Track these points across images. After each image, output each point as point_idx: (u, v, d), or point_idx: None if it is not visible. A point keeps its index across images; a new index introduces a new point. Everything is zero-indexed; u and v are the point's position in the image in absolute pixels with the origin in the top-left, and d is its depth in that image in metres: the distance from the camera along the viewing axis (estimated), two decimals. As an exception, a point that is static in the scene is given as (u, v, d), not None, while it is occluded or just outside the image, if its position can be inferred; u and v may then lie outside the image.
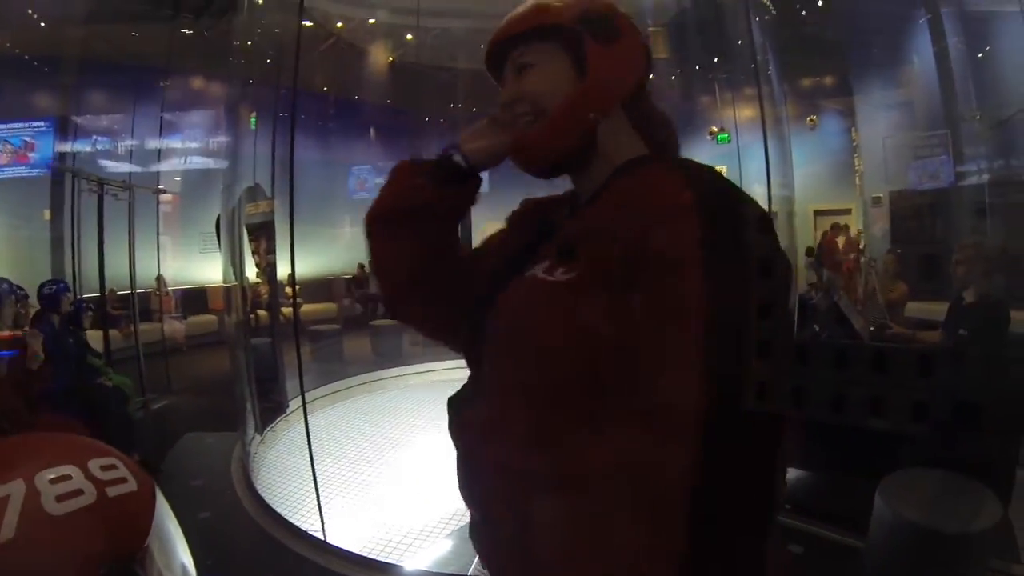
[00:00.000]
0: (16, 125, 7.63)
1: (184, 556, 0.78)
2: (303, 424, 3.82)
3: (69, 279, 6.90)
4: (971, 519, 2.20)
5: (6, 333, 3.39)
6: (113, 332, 6.69)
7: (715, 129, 8.82)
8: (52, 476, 0.65)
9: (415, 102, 10.84)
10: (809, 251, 10.04)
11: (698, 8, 7.31)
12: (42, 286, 4.39)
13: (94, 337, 6.49)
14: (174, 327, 8.30)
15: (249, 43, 5.53)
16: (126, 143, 8.35)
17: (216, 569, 3.13)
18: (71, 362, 4.32)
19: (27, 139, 7.52)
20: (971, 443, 2.78)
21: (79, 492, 0.66)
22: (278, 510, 3.72)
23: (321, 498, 3.48)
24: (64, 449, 0.73)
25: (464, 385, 0.90)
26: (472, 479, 0.85)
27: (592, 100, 0.83)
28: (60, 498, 0.64)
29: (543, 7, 0.85)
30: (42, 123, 7.64)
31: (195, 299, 9.14)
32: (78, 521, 0.64)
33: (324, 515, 3.42)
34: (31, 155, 7.53)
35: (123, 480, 0.70)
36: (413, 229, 0.91)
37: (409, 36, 8.98)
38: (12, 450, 0.74)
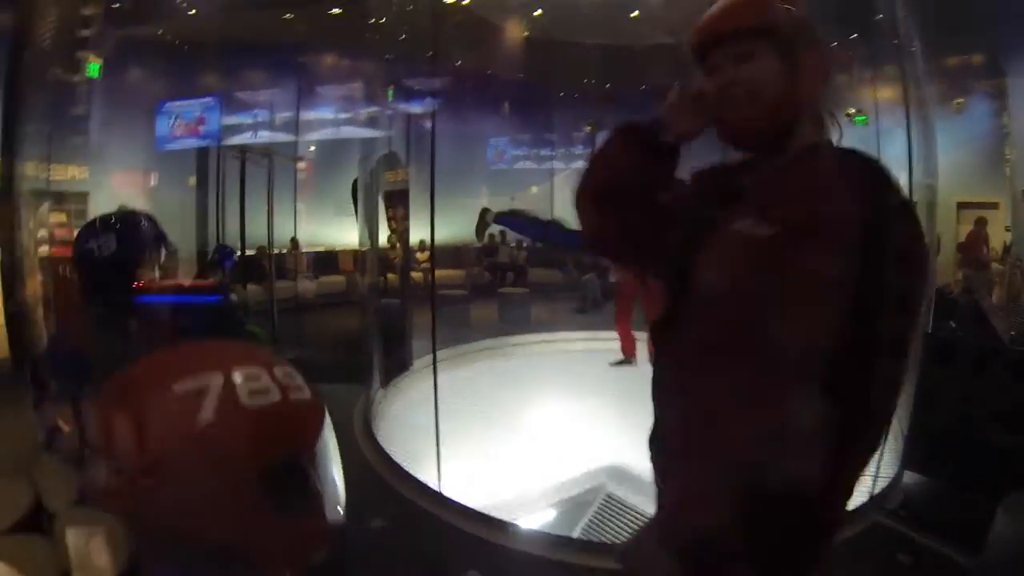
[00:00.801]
0: (187, 102, 8.45)
1: (337, 473, 0.86)
2: (428, 382, 4.02)
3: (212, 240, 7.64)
4: None
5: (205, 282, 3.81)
6: (252, 287, 7.36)
7: (852, 111, 8.31)
8: (245, 374, 0.73)
9: (546, 77, 10.90)
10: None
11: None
12: (214, 251, 5.03)
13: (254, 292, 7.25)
14: (306, 286, 8.92)
15: (383, 20, 5.76)
16: (275, 115, 8.98)
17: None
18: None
19: (198, 114, 8.30)
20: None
21: (267, 391, 0.73)
22: (396, 460, 3.96)
23: (441, 453, 3.68)
24: (254, 354, 0.80)
25: (666, 313, 1.10)
26: (673, 389, 1.08)
27: (801, 94, 1.03)
28: (252, 393, 0.72)
29: (761, 9, 1.05)
30: (210, 99, 8.38)
31: (326, 261, 9.79)
32: (266, 416, 0.72)
33: (431, 469, 3.63)
34: (201, 128, 8.31)
35: (301, 388, 0.77)
36: (624, 202, 1.12)
37: (538, 12, 9.00)
38: (210, 350, 0.82)
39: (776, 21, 1.03)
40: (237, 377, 0.72)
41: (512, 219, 7.35)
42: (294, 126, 8.67)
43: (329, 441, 0.82)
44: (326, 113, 8.92)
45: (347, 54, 8.81)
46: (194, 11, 8.65)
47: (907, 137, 3.76)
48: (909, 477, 3.48)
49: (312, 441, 0.77)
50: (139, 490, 0.67)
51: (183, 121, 8.28)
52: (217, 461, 0.68)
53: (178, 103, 8.37)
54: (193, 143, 8.38)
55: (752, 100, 1.01)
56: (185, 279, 4.46)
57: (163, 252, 1.81)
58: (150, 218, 1.87)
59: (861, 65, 7.45)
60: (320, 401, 0.81)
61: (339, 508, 0.85)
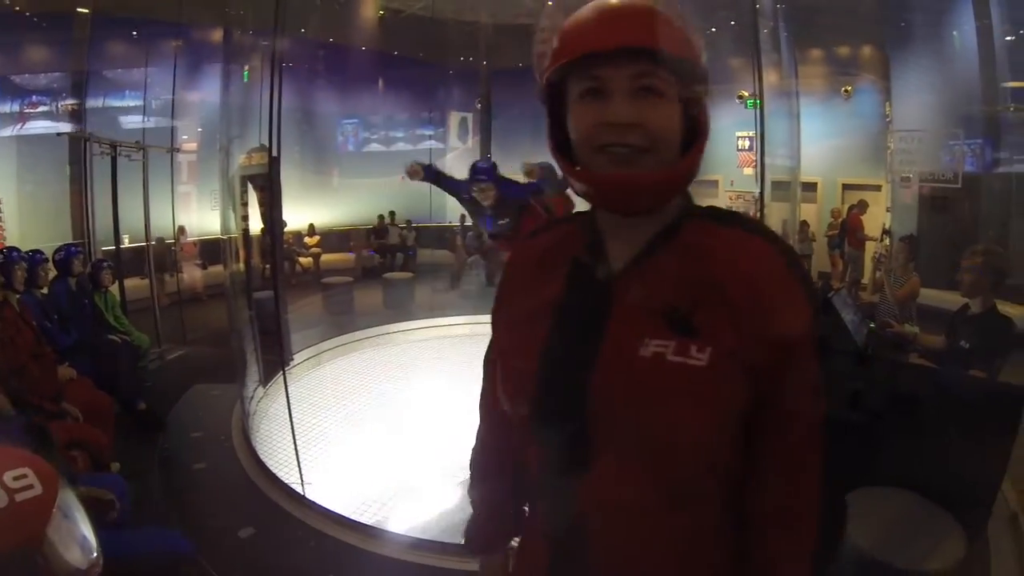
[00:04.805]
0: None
1: (85, 528, 1.02)
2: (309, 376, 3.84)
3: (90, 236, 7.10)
4: (927, 555, 2.01)
5: None
6: (137, 283, 6.92)
7: (744, 93, 8.61)
8: None
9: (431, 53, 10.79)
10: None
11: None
12: (55, 252, 4.63)
13: (136, 287, 6.81)
14: (194, 275, 8.49)
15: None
16: (140, 99, 8.45)
17: (203, 519, 3.30)
18: (86, 320, 4.57)
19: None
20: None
21: None
22: (269, 464, 3.85)
23: (309, 453, 3.66)
24: None
25: (559, 443, 0.83)
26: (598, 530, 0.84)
27: (699, 156, 0.80)
28: None
29: (682, 38, 0.76)
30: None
31: (215, 250, 9.21)
32: None
33: (305, 471, 3.55)
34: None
35: (29, 487, 0.94)
36: None
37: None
38: None
39: (695, 58, 0.77)
40: None
41: None
42: (170, 110, 8.12)
43: (71, 506, 1.01)
44: (198, 95, 8.46)
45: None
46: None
47: (758, 122, 3.84)
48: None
49: (38, 532, 0.92)
50: None
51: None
52: None
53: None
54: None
55: (650, 152, 0.75)
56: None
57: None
58: None
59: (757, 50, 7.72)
60: (52, 489, 0.97)
61: (89, 562, 1.01)
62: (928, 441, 2.70)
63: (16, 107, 8.52)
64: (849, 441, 3.02)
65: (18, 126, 8.37)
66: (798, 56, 6.46)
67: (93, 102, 8.68)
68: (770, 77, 4.69)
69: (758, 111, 3.91)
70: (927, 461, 2.59)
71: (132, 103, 8.78)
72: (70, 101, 8.63)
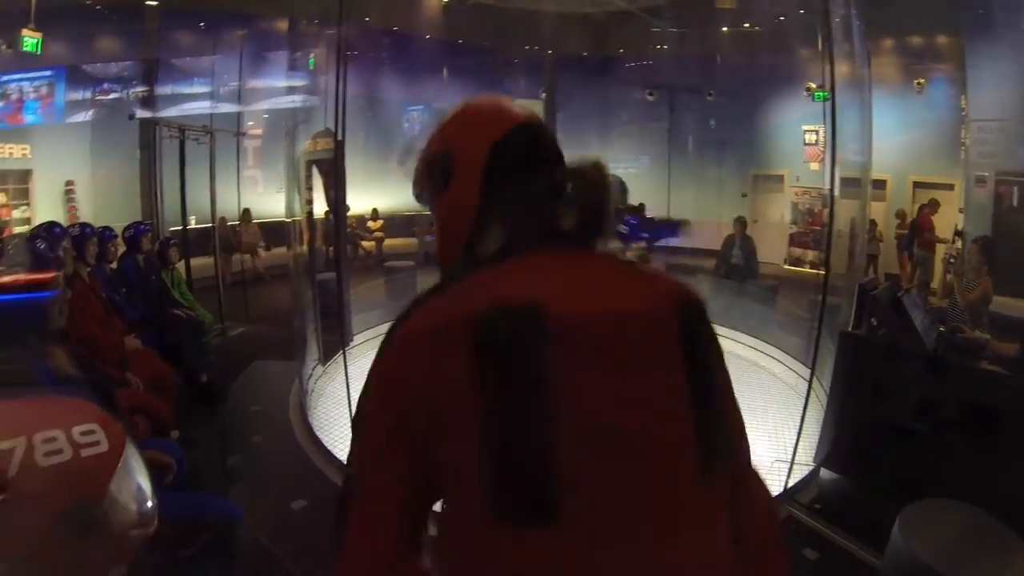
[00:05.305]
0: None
1: (145, 488, 1.04)
2: (367, 358, 3.99)
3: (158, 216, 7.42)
4: (992, 572, 1.94)
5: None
6: (202, 262, 7.21)
7: (812, 85, 8.31)
8: (44, 436, 0.92)
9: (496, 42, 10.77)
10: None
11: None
12: (124, 229, 4.86)
13: (202, 266, 7.10)
14: (257, 257, 8.78)
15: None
16: (207, 86, 8.75)
17: (258, 490, 3.45)
18: (153, 295, 4.79)
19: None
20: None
21: (60, 451, 0.92)
22: (323, 439, 4.00)
23: None
24: (57, 414, 0.99)
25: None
26: None
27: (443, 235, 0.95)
28: (47, 454, 0.90)
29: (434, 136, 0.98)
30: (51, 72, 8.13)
31: (280, 232, 9.48)
32: (58, 472, 0.90)
33: None
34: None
35: (95, 443, 0.96)
36: None
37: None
38: (20, 411, 1.01)
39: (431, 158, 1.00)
40: (37, 439, 0.91)
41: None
42: (237, 96, 8.39)
43: (133, 464, 1.01)
44: (264, 82, 8.70)
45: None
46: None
47: (831, 115, 3.65)
48: (824, 474, 3.48)
49: (101, 487, 0.94)
50: None
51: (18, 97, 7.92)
52: (20, 504, 0.86)
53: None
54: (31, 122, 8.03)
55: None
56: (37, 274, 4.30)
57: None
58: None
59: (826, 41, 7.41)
60: (119, 446, 0.98)
61: (145, 521, 1.03)
62: (1000, 453, 2.59)
63: (88, 94, 8.93)
64: (915, 449, 2.94)
65: (88, 112, 8.75)
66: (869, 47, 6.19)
67: (162, 89, 9.02)
68: (841, 68, 4.52)
69: (830, 104, 3.77)
70: (995, 474, 2.50)
71: (200, 89, 9.09)
72: (140, 88, 9.01)
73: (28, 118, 7.97)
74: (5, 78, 7.76)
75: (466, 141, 0.93)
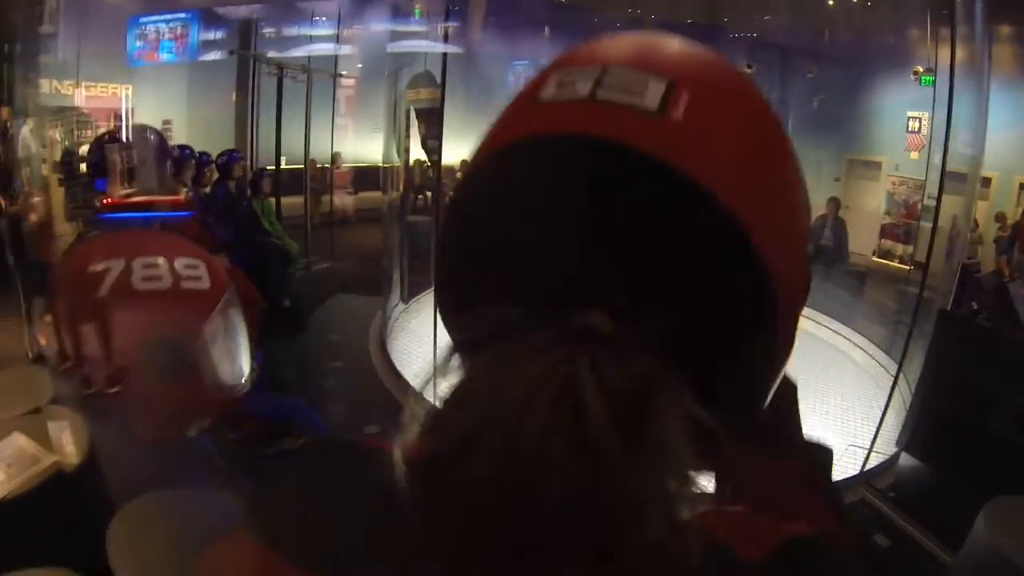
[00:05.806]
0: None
1: (242, 349, 1.01)
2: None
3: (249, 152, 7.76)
4: None
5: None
6: (293, 200, 7.55)
7: (919, 69, 7.79)
8: (144, 262, 0.86)
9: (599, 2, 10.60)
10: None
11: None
12: (218, 156, 5.17)
13: (292, 204, 7.41)
14: (344, 200, 9.09)
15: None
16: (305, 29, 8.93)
17: (337, 413, 3.65)
18: (243, 220, 5.08)
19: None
20: None
21: (160, 278, 0.86)
22: (401, 370, 4.17)
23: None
24: (165, 244, 0.93)
25: None
26: None
27: None
28: (144, 279, 0.85)
29: None
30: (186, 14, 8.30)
31: (368, 176, 9.85)
32: (152, 298, 0.85)
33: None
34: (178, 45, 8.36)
35: (198, 279, 0.90)
36: None
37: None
38: (127, 237, 0.98)
39: None
40: (136, 264, 0.85)
41: None
42: (335, 39, 8.60)
43: (233, 315, 0.96)
44: (364, 27, 8.82)
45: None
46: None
47: (948, 103, 3.50)
48: (907, 460, 3.42)
49: (195, 325, 0.88)
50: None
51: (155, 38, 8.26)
52: (110, 328, 0.82)
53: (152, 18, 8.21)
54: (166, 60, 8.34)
55: None
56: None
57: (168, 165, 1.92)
58: (158, 133, 1.97)
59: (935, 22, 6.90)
60: (220, 290, 0.92)
61: (239, 381, 1.00)
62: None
63: (220, 35, 9.14)
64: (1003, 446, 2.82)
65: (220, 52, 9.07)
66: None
67: (269, 30, 9.05)
68: (958, 52, 4.23)
69: (940, 90, 3.54)
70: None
71: (300, 31, 9.27)
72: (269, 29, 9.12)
73: (163, 56, 8.36)
74: (144, 19, 8.14)
75: None
